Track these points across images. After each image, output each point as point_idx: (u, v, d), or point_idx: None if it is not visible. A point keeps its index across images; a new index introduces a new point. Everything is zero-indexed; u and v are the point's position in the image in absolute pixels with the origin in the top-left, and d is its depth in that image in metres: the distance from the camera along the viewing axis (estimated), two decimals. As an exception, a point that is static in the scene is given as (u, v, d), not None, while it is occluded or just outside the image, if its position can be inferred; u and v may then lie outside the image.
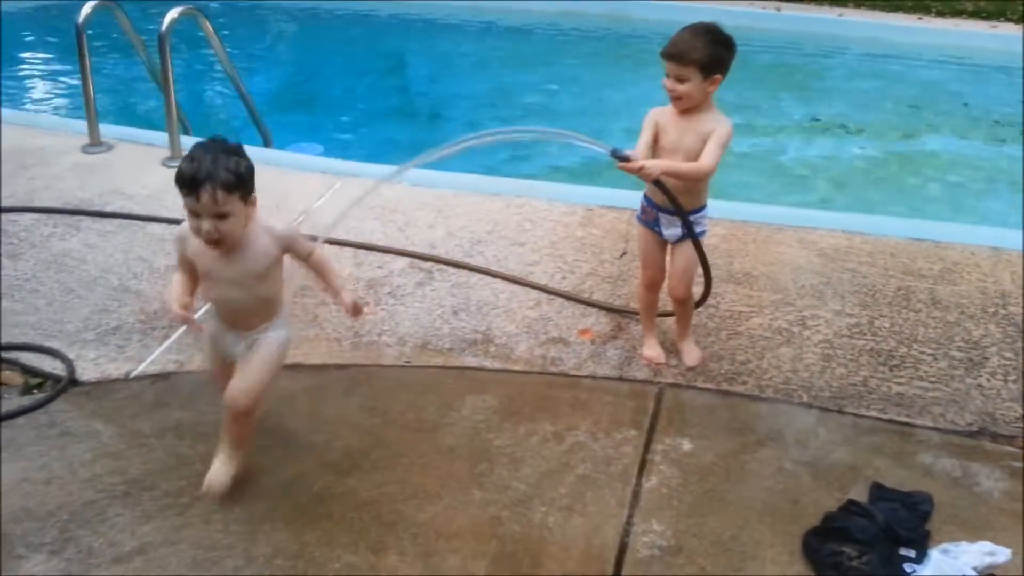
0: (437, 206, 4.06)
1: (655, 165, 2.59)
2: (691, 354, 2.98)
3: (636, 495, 2.39)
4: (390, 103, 7.77)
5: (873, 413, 2.79)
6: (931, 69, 8.55)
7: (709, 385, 2.90)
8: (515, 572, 2.13)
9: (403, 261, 3.60)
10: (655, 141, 2.70)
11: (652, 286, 2.96)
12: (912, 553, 2.16)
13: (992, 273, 3.60)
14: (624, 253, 3.68)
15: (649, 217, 2.85)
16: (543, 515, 2.31)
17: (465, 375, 2.93)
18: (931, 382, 2.93)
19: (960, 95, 7.94)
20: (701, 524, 2.29)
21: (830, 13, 9.58)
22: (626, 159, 2.53)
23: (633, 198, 4.24)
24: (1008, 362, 3.03)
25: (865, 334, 3.18)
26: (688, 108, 2.63)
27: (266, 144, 5.17)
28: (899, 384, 2.92)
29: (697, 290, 2.99)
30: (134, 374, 2.87)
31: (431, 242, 3.74)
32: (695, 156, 2.63)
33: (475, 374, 2.93)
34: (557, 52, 9.04)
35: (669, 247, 2.88)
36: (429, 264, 3.58)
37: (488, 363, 2.99)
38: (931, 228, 4.03)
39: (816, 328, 3.21)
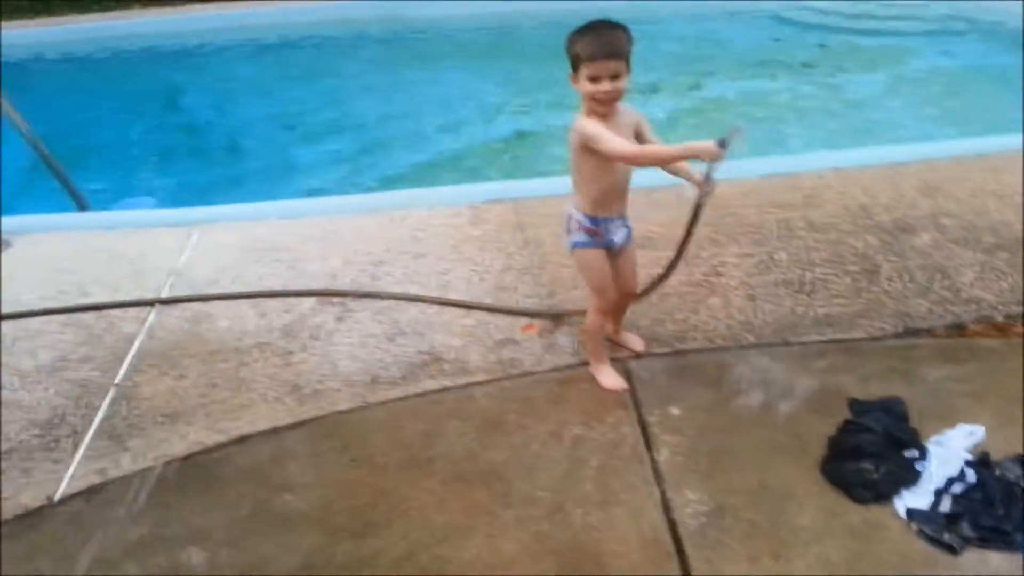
0: (318, 236, 3.81)
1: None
2: (635, 340, 2.98)
3: (656, 471, 2.40)
4: (179, 142, 7.14)
5: (813, 337, 3.00)
6: (691, 24, 9.30)
7: (665, 349, 2.97)
8: (585, 580, 2.07)
9: (309, 300, 3.34)
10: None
11: (611, 309, 2.76)
12: (915, 452, 2.36)
13: (846, 191, 4.00)
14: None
15: (598, 235, 2.62)
16: (583, 516, 2.26)
17: (430, 399, 2.78)
18: (846, 298, 3.20)
19: (724, 43, 8.74)
20: (728, 480, 2.35)
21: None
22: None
23: (508, 188, 4.27)
24: (895, 264, 3.39)
25: (772, 269, 3.41)
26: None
27: (81, 208, 4.55)
28: (821, 307, 3.16)
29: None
30: (58, 496, 2.43)
31: (330, 273, 3.50)
32: None
33: (440, 396, 2.79)
34: (337, 61, 8.76)
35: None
36: (339, 296, 3.35)
37: (448, 382, 2.86)
38: (777, 163, 4.40)
39: (729, 273, 3.40)
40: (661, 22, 9.03)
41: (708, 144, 2.29)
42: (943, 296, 3.17)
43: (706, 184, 2.42)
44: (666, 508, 2.27)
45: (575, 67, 2.45)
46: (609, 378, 2.79)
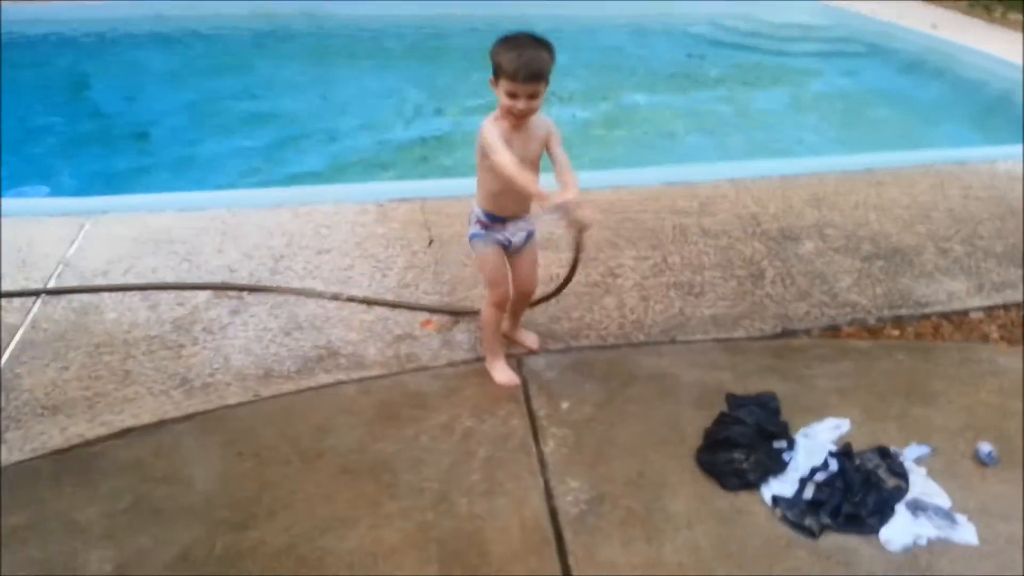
0: (218, 228, 3.74)
1: (576, 197, 2.46)
2: (530, 337, 3.05)
3: (542, 461, 2.47)
4: (84, 131, 6.88)
5: (699, 336, 3.13)
6: (609, 36, 9.52)
7: (559, 345, 3.05)
8: (467, 567, 2.12)
9: (204, 293, 3.28)
10: None
11: (504, 303, 2.81)
12: (784, 443, 2.49)
13: (739, 200, 4.18)
14: (432, 242, 3.69)
15: (496, 230, 2.69)
16: (467, 505, 2.30)
17: (324, 393, 2.78)
18: (731, 300, 3.35)
19: (638, 56, 8.98)
20: (610, 470, 2.44)
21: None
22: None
23: (417, 188, 4.30)
24: (779, 269, 3.57)
25: (665, 271, 3.54)
26: None
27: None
28: (708, 308, 3.30)
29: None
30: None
31: (228, 267, 3.45)
32: (537, 161, 2.60)
33: (334, 390, 2.80)
34: (256, 56, 8.60)
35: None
36: (233, 290, 3.31)
37: (343, 376, 2.86)
38: (677, 172, 4.57)
39: (625, 275, 3.51)
40: (576, 33, 9.23)
41: (553, 200, 2.45)
42: (821, 300, 3.36)
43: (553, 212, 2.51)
44: (548, 496, 2.34)
45: (496, 75, 2.51)
46: (502, 374, 2.85)
